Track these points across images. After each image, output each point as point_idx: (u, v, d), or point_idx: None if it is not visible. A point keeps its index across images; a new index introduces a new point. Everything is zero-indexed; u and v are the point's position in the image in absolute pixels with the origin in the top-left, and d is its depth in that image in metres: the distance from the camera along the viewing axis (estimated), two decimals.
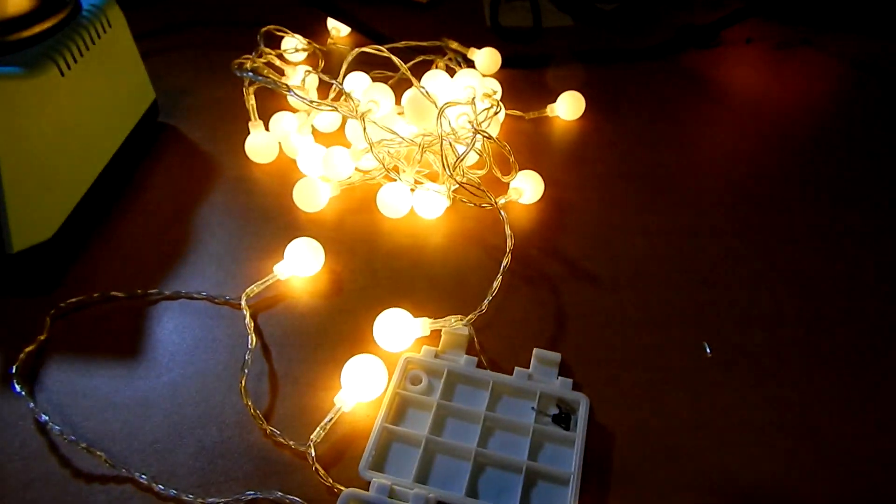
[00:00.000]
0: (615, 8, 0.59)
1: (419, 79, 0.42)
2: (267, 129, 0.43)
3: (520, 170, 0.39)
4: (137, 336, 0.32)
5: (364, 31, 0.52)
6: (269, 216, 0.39)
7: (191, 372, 0.31)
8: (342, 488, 0.26)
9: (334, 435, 0.29)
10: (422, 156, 0.37)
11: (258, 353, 0.32)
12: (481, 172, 0.39)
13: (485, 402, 0.29)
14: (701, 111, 0.48)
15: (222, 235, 0.38)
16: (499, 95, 0.44)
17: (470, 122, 0.37)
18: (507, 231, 0.34)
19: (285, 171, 0.42)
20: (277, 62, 0.46)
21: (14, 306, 0.33)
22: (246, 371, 0.30)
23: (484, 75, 0.49)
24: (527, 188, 0.39)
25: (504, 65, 0.50)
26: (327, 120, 0.43)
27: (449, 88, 0.40)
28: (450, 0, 0.60)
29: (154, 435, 0.28)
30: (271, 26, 0.47)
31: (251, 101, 0.41)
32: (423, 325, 0.31)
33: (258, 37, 0.46)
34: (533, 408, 0.29)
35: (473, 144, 0.36)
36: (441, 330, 0.32)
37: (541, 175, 0.39)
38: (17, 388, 0.29)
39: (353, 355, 0.30)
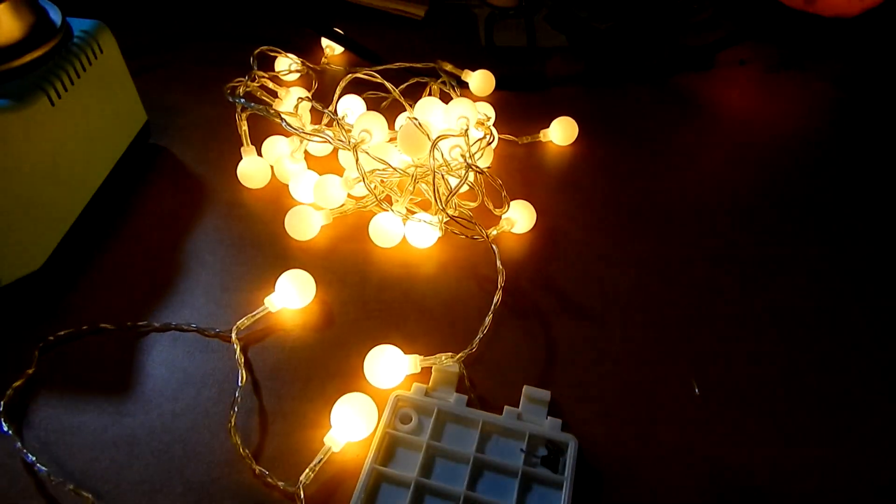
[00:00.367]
0: (609, 27, 0.59)
1: (413, 100, 0.42)
2: (259, 153, 0.42)
3: (512, 199, 0.39)
4: (127, 370, 0.32)
5: (358, 51, 0.51)
6: (261, 244, 0.39)
7: (179, 408, 0.31)
8: None
9: (324, 475, 0.29)
10: (414, 186, 0.37)
11: (248, 388, 0.32)
12: (473, 205, 0.39)
13: (474, 443, 0.29)
14: (694, 135, 0.48)
15: (213, 264, 0.37)
16: (492, 121, 0.44)
17: (462, 155, 0.37)
18: (499, 266, 0.34)
19: (277, 196, 0.41)
20: (271, 84, 0.46)
21: (1, 339, 0.33)
22: (235, 409, 0.30)
23: (477, 98, 0.49)
24: (519, 219, 0.39)
25: (498, 86, 0.50)
26: (320, 144, 0.43)
27: (442, 117, 0.40)
28: (445, 17, 0.60)
29: (142, 475, 0.28)
30: (264, 47, 0.47)
31: (244, 127, 0.41)
32: (414, 363, 0.31)
33: (251, 59, 0.46)
34: (522, 449, 0.29)
35: (466, 178, 0.36)
36: (431, 367, 0.32)
37: (533, 203, 0.39)
38: (5, 427, 0.29)
39: (343, 391, 0.30)
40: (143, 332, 0.34)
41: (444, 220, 0.37)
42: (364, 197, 0.40)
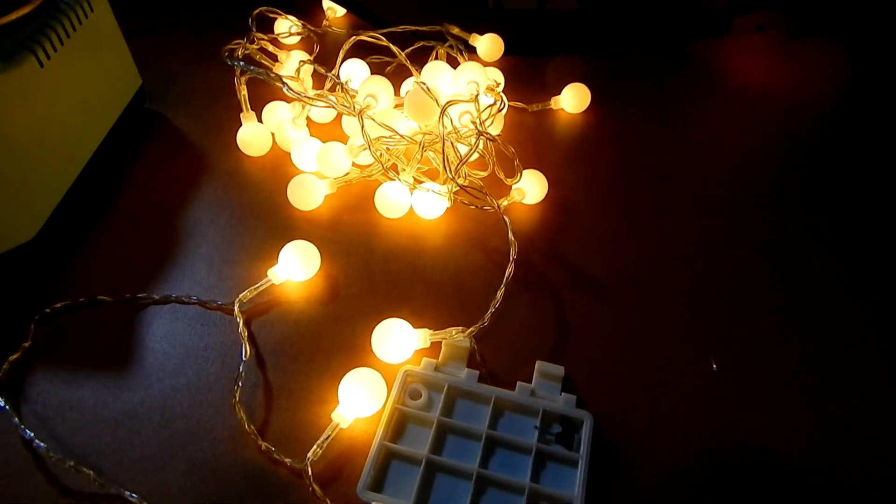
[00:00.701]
0: None
1: (419, 65, 0.40)
2: (260, 119, 0.41)
3: (523, 168, 0.37)
4: (126, 344, 0.31)
5: (360, 13, 0.49)
6: (263, 214, 0.37)
7: (181, 383, 0.30)
8: None
9: (331, 452, 0.28)
10: (422, 154, 0.36)
11: (252, 363, 0.31)
12: (483, 174, 0.37)
13: (486, 419, 0.28)
14: (710, 103, 0.46)
15: (214, 235, 0.36)
16: (501, 87, 0.42)
17: (473, 121, 0.35)
18: (511, 238, 0.33)
19: (279, 165, 0.40)
20: (270, 47, 0.44)
21: None
22: (239, 384, 0.29)
23: (485, 63, 0.47)
24: (530, 189, 0.37)
25: (507, 51, 0.48)
26: (323, 110, 0.41)
27: (451, 82, 0.39)
28: None
29: (144, 451, 0.28)
30: (263, 8, 0.45)
31: (243, 92, 0.39)
32: (423, 337, 0.30)
33: (250, 20, 0.44)
34: (536, 426, 0.28)
35: (477, 146, 0.34)
36: (441, 341, 0.31)
37: (544, 173, 0.38)
38: (1, 402, 0.28)
39: (350, 366, 0.29)
40: (142, 305, 0.33)
41: (454, 189, 0.36)
42: (370, 166, 0.39)
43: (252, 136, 0.40)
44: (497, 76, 0.43)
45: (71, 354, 0.31)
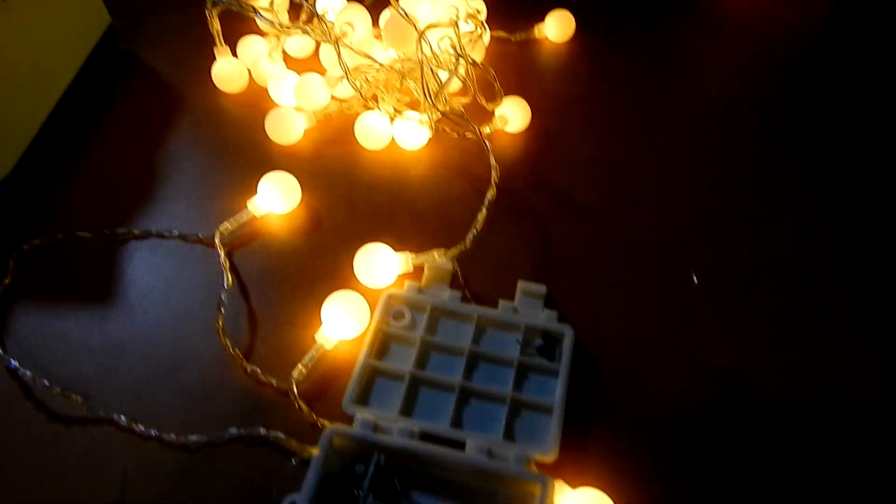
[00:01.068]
0: None
1: None
2: (235, 55, 0.40)
3: (505, 96, 0.37)
4: (108, 278, 0.31)
5: None
6: (242, 150, 0.37)
7: (166, 313, 0.30)
8: (326, 423, 0.26)
9: (316, 373, 0.28)
10: (402, 83, 0.35)
11: (235, 292, 0.31)
12: (465, 100, 0.37)
13: (469, 336, 0.28)
14: (696, 30, 0.45)
15: (192, 171, 0.36)
16: (483, 16, 0.41)
17: (453, 46, 0.35)
18: (492, 162, 0.32)
19: (256, 101, 0.39)
20: None
21: None
22: (223, 311, 0.29)
23: None
24: (513, 116, 0.37)
25: None
26: (299, 43, 0.40)
27: (430, 9, 0.38)
28: None
29: (131, 377, 0.28)
30: None
31: (216, 26, 0.38)
32: (405, 261, 0.30)
33: None
34: (518, 340, 0.28)
35: (457, 70, 0.34)
36: (424, 265, 0.31)
37: (528, 102, 0.37)
38: None
39: (333, 292, 0.29)
40: (122, 240, 0.32)
41: (435, 117, 0.35)
42: (349, 98, 0.38)
43: (227, 71, 0.39)
44: (479, 4, 0.41)
45: (52, 290, 0.31)
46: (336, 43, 0.34)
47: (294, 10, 0.42)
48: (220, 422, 0.26)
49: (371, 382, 0.27)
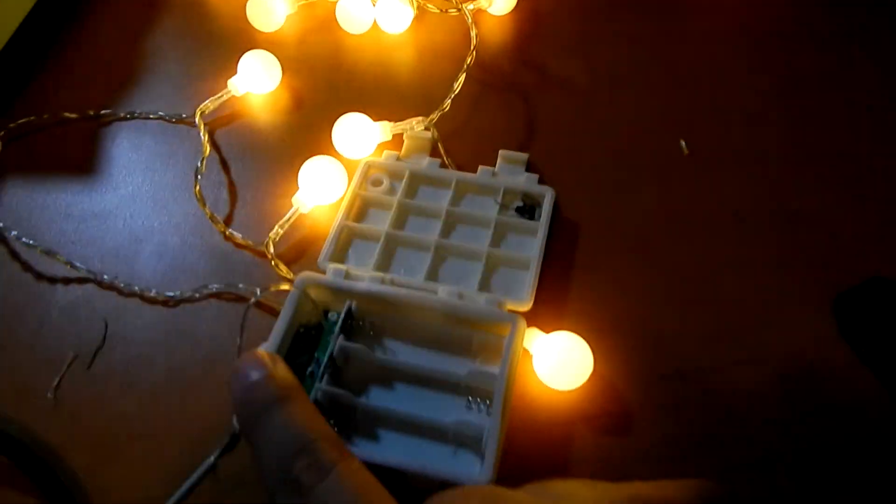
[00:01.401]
0: None
1: None
2: None
3: None
4: (92, 155, 0.31)
5: None
6: (224, 37, 0.36)
7: (148, 184, 0.30)
8: None
9: (294, 237, 0.28)
10: None
11: (216, 165, 0.31)
12: None
13: (447, 200, 0.28)
14: None
15: (175, 58, 0.35)
16: None
17: None
18: (472, 32, 0.31)
19: None
20: None
21: None
22: (199, 177, 0.29)
23: None
24: None
25: None
26: None
27: None
28: None
29: (114, 242, 0.28)
30: None
31: None
32: (384, 129, 0.30)
33: None
34: (496, 201, 0.28)
35: None
36: (403, 134, 0.30)
37: None
38: None
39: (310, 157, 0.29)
40: (106, 121, 0.33)
41: None
42: None
43: None
44: None
45: (39, 166, 0.31)
46: None
47: None
48: (200, 279, 0.27)
49: (347, 243, 0.27)
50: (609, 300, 0.26)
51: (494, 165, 0.29)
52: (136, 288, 0.26)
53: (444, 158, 0.29)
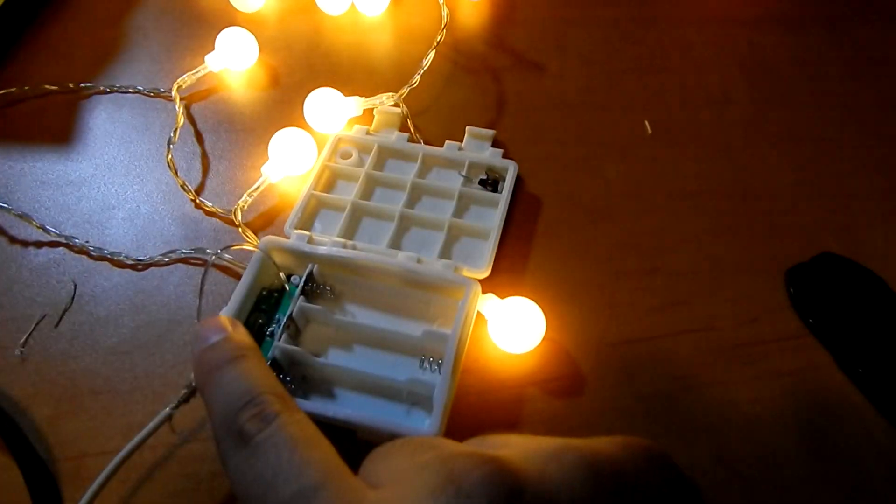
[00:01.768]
0: None
1: None
2: None
3: None
4: (70, 125, 0.32)
5: None
6: (205, 16, 0.37)
7: (123, 154, 0.31)
8: None
9: (263, 206, 0.29)
10: None
11: (190, 137, 0.31)
12: None
13: (414, 172, 0.29)
14: None
15: (157, 35, 0.36)
16: None
17: None
18: (444, 11, 0.32)
19: None
20: None
21: None
22: (171, 146, 0.29)
23: None
24: None
25: None
26: None
27: None
28: None
29: (87, 209, 0.29)
30: None
31: None
32: (355, 104, 0.30)
33: None
34: (461, 173, 0.28)
35: None
36: (374, 109, 0.31)
37: None
38: None
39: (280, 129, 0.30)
40: (86, 94, 0.33)
41: None
42: None
43: None
44: None
45: (17, 135, 0.32)
46: None
47: None
48: (170, 244, 0.27)
49: (315, 212, 0.28)
50: (566, 270, 0.27)
51: (461, 141, 0.30)
52: (107, 252, 0.27)
53: (413, 133, 0.30)
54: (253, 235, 0.27)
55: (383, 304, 0.25)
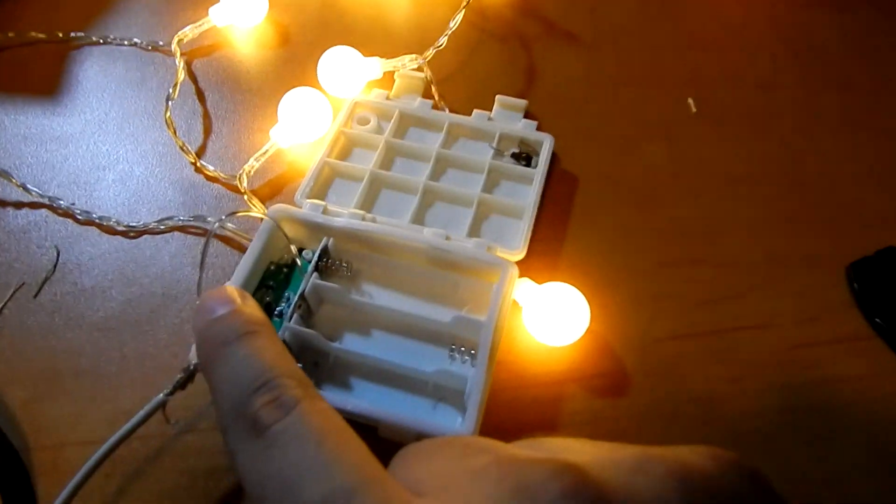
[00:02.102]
0: None
1: None
2: None
3: None
4: (57, 78, 0.29)
5: None
6: None
7: (116, 111, 0.28)
8: None
9: (271, 173, 0.26)
10: None
11: (191, 95, 0.29)
12: None
13: (439, 142, 0.26)
14: None
15: None
16: None
17: None
18: None
19: None
20: None
21: None
22: (170, 102, 0.27)
23: None
24: None
25: None
26: None
27: None
28: None
29: (74, 168, 0.26)
30: None
31: None
32: (376, 65, 0.28)
33: None
34: (491, 146, 0.26)
35: None
36: (395, 72, 0.28)
37: None
38: None
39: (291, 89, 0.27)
40: (77, 45, 0.30)
41: None
42: None
43: None
44: None
45: (1, 87, 0.29)
46: None
47: None
48: (165, 211, 0.25)
49: (329, 181, 0.25)
50: (606, 256, 0.24)
51: (492, 109, 0.28)
52: (95, 216, 0.24)
53: (437, 100, 0.27)
54: (260, 204, 0.24)
55: (406, 284, 0.22)
